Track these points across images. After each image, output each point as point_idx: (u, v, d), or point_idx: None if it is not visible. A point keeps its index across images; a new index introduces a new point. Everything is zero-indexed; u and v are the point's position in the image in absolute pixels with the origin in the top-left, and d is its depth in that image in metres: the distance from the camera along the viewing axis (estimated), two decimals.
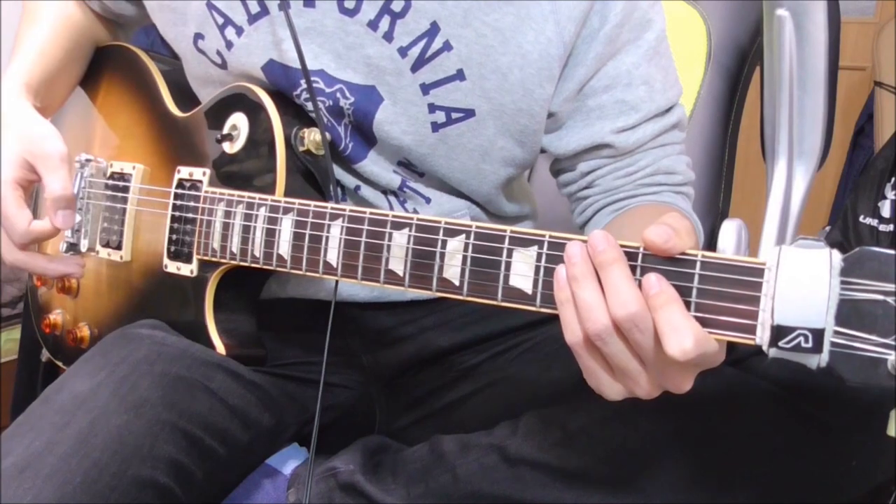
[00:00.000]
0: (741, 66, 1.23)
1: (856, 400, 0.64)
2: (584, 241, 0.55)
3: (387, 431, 0.89)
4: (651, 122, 0.81)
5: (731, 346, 0.71)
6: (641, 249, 0.54)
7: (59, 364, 0.94)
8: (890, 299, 0.47)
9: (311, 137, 0.76)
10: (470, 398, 0.86)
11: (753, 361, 0.70)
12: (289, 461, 0.83)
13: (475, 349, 0.87)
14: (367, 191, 0.82)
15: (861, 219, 1.68)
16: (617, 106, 0.80)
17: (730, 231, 1.00)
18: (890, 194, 1.67)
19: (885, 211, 1.67)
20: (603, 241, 0.54)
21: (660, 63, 0.81)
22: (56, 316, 0.94)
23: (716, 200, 1.20)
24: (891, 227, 1.63)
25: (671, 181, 0.83)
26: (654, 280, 0.52)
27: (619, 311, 0.52)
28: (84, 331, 0.90)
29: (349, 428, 0.88)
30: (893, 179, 1.67)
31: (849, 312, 0.48)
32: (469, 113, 0.77)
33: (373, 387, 0.90)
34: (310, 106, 0.77)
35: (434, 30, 0.74)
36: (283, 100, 0.78)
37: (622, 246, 0.54)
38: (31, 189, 0.81)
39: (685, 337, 0.50)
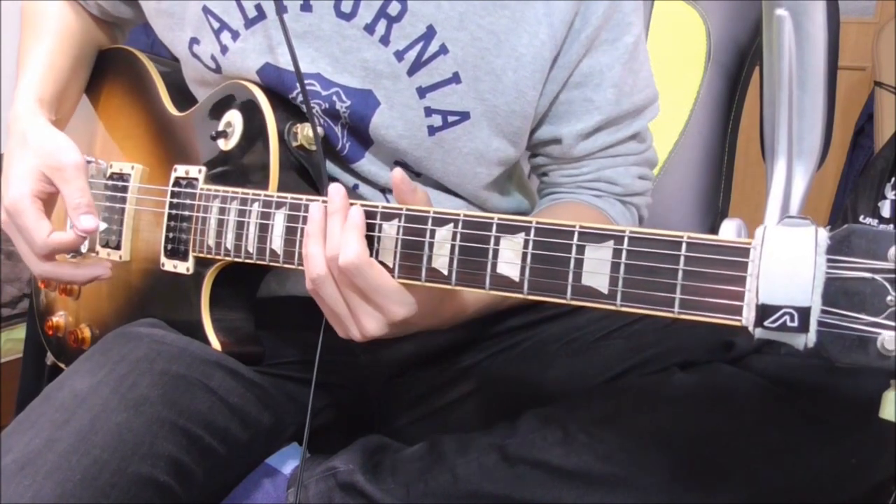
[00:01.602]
0: (741, 66, 1.23)
1: (855, 398, 0.64)
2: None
3: (386, 431, 0.89)
4: (606, 131, 0.83)
5: (728, 346, 0.72)
6: (627, 233, 0.54)
7: (63, 366, 0.94)
8: (879, 277, 0.46)
9: (304, 133, 0.76)
10: (469, 397, 0.86)
11: (752, 360, 0.70)
12: (288, 461, 0.84)
13: (474, 348, 0.87)
14: (365, 189, 0.82)
15: (861, 219, 1.68)
16: (583, 104, 0.81)
17: (729, 231, 1.00)
18: (890, 194, 1.67)
19: (885, 211, 1.67)
20: (333, 191, 0.65)
21: (633, 67, 0.82)
22: (58, 318, 0.94)
23: (715, 200, 1.19)
24: (891, 228, 1.63)
25: (611, 191, 0.86)
26: (353, 212, 0.64)
27: (328, 254, 0.64)
28: (85, 331, 0.90)
29: (348, 427, 0.88)
30: (893, 179, 1.67)
31: (836, 291, 0.47)
32: (464, 115, 0.77)
33: (372, 386, 0.90)
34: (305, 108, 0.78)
35: (430, 33, 0.74)
36: (278, 97, 0.78)
37: (606, 230, 0.55)
38: (53, 202, 0.81)
39: (350, 251, 0.62)
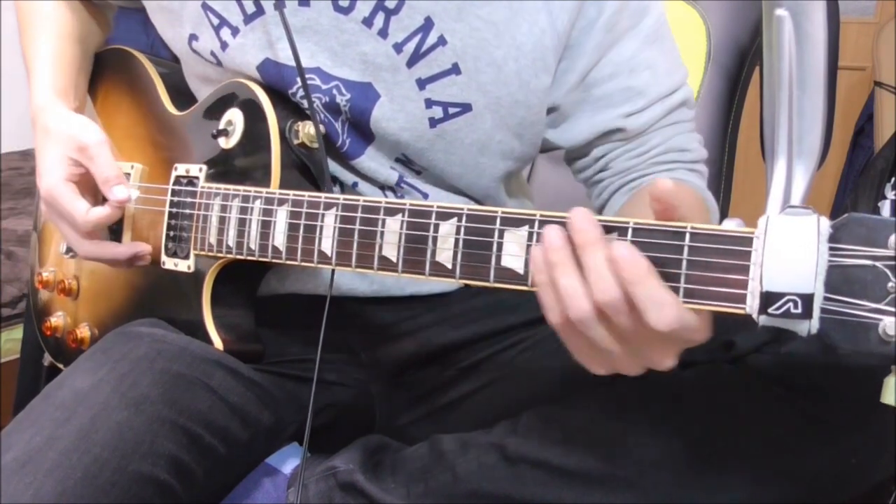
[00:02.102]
0: (741, 66, 1.23)
1: (856, 398, 0.64)
2: (564, 223, 0.55)
3: (386, 430, 0.89)
4: (658, 104, 0.82)
5: (728, 346, 0.72)
6: (631, 224, 0.54)
7: (61, 367, 0.94)
8: (879, 264, 0.47)
9: (306, 130, 0.77)
10: (470, 396, 0.86)
11: (752, 359, 0.70)
12: (289, 460, 0.84)
13: (475, 347, 0.87)
14: (364, 187, 0.82)
15: None
16: (623, 93, 0.81)
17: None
18: (890, 194, 1.67)
19: (885, 211, 1.67)
20: (583, 219, 0.54)
21: (662, 47, 0.82)
22: (57, 319, 0.94)
23: (715, 200, 1.19)
24: (890, 217, 1.63)
25: (684, 158, 0.84)
26: (625, 252, 0.51)
27: (602, 297, 0.52)
28: (84, 332, 0.90)
29: (349, 427, 0.88)
30: (893, 179, 1.67)
31: (839, 279, 0.48)
32: (466, 107, 0.77)
33: (372, 385, 0.90)
34: (306, 104, 0.78)
35: (428, 25, 0.75)
36: (279, 94, 0.78)
37: (609, 222, 0.54)
38: (88, 182, 0.81)
39: (668, 309, 0.51)
